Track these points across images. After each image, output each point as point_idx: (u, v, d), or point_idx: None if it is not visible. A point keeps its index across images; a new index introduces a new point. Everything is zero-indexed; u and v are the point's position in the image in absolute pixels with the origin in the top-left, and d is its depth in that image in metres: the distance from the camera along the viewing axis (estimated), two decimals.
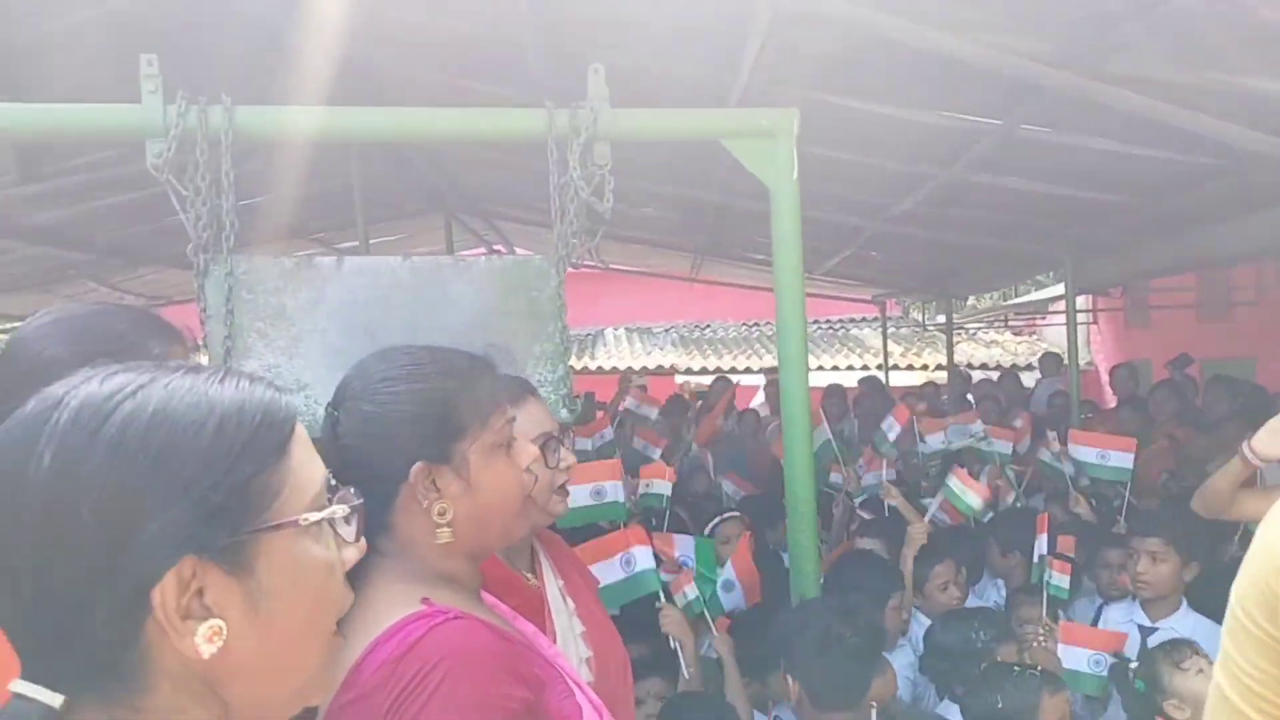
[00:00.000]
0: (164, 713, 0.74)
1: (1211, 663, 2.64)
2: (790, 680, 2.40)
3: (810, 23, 3.17)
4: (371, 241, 7.21)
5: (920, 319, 14.74)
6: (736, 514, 4.14)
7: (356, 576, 1.37)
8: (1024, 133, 4.05)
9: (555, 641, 1.97)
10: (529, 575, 2.09)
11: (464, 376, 1.43)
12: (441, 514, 1.35)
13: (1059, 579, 3.12)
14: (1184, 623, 3.06)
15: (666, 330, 16.17)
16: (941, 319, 12.37)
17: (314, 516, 0.80)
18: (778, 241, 2.61)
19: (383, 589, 1.34)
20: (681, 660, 2.77)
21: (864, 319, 15.67)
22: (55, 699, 0.71)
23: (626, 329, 16.05)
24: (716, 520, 4.03)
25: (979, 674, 2.59)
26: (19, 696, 0.71)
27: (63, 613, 0.70)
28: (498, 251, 9.38)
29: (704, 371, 13.50)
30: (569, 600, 2.10)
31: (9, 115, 2.41)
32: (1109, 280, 8.25)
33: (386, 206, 7.35)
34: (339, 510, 0.83)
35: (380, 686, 1.22)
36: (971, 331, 15.70)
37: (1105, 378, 10.58)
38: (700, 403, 9.25)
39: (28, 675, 0.72)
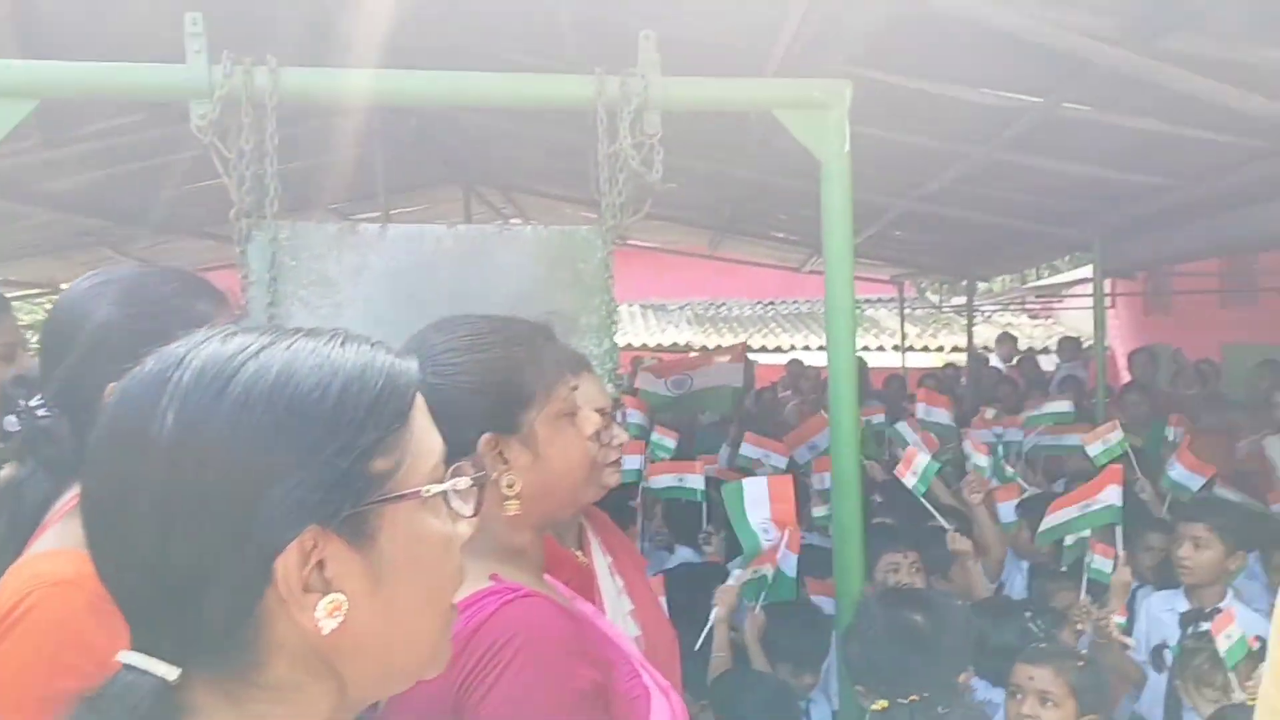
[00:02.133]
0: (280, 688, 0.71)
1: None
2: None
3: None
4: (391, 213, 7.17)
5: (936, 301, 14.68)
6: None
7: None
8: (1064, 111, 3.97)
9: (606, 616, 1.95)
10: (578, 552, 2.06)
11: (528, 344, 1.39)
12: (510, 486, 1.31)
13: (1100, 562, 3.07)
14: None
15: (681, 308, 16.10)
16: (959, 301, 12.31)
17: (436, 488, 0.76)
18: (827, 216, 2.55)
19: None
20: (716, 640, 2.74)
21: (880, 299, 15.57)
22: (171, 671, 0.67)
23: (641, 306, 15.98)
24: None
25: None
26: (129, 668, 0.68)
27: (181, 580, 0.66)
28: (518, 223, 9.32)
29: (718, 350, 13.45)
30: (617, 578, 2.07)
31: (50, 73, 2.36)
32: (1138, 264, 8.19)
33: (405, 177, 7.29)
34: (460, 483, 0.79)
35: (452, 662, 1.19)
36: (987, 314, 15.61)
37: (1122, 361, 10.49)
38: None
39: (138, 646, 0.69)
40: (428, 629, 0.78)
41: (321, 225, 2.39)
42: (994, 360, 10.77)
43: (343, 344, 0.73)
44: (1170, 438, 4.84)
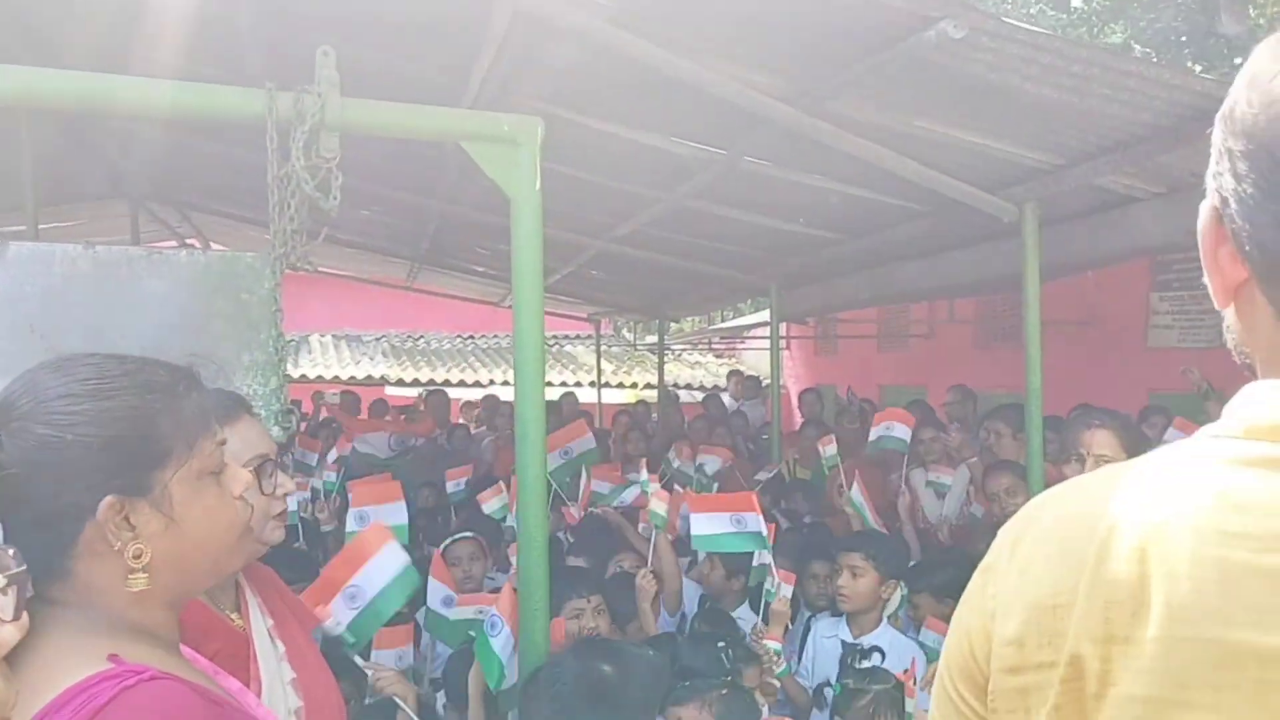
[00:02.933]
0: None
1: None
2: None
3: (548, 32, 3.11)
4: (41, 227, 6.36)
5: (631, 338, 15.17)
6: (470, 534, 4.04)
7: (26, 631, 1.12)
8: (745, 164, 4.20)
9: (261, 691, 1.75)
10: (234, 615, 1.84)
11: (164, 392, 1.20)
12: (137, 557, 1.12)
13: (783, 589, 3.20)
14: (882, 638, 3.25)
15: (377, 339, 15.56)
16: (652, 339, 12.78)
17: None
18: (518, 251, 2.48)
19: (58, 645, 1.09)
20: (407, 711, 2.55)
21: (578, 336, 15.86)
22: None
23: (334, 336, 15.29)
24: (449, 540, 3.93)
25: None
26: None
27: None
28: (192, 246, 8.57)
29: (415, 383, 13.10)
30: (278, 643, 1.87)
31: None
32: (808, 310, 8.85)
33: (61, 187, 6.52)
34: None
35: None
36: (677, 352, 16.34)
37: (795, 400, 11.31)
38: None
39: None
40: None
41: None
42: (726, 397, 11.06)
43: None
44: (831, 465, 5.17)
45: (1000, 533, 0.88)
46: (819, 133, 3.37)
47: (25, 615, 0.68)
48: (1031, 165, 3.61)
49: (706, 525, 3.33)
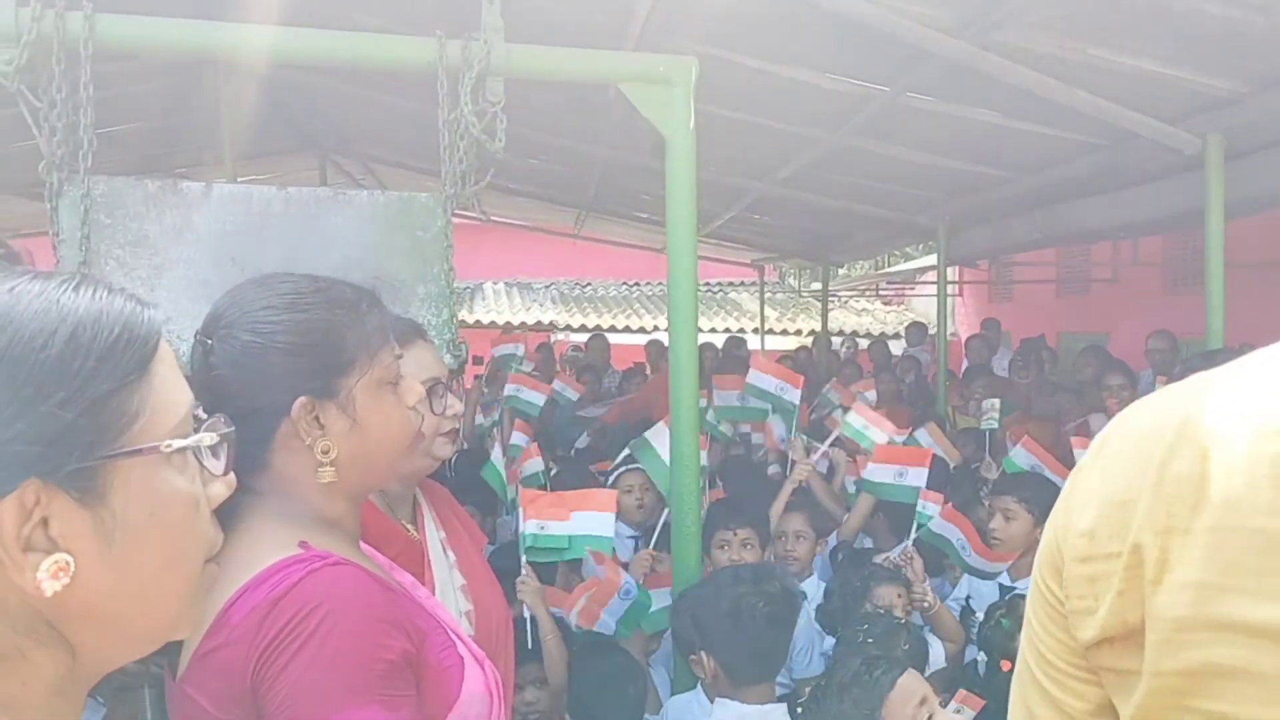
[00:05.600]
0: (0, 656, 0.66)
1: None
2: (705, 657, 2.29)
3: None
4: (240, 180, 6.87)
5: (796, 285, 15.04)
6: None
7: (229, 515, 1.28)
8: (908, 100, 4.11)
9: (435, 591, 1.91)
10: (410, 526, 2.01)
11: (351, 308, 1.34)
12: (325, 452, 1.27)
13: (928, 507, 3.22)
14: None
15: (547, 287, 16.02)
16: (817, 286, 12.63)
17: (177, 443, 0.72)
18: (672, 194, 2.56)
19: (257, 530, 1.26)
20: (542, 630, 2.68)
21: (741, 283, 15.85)
22: None
23: (506, 283, 15.83)
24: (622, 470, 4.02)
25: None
26: None
27: None
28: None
29: (583, 329, 13.44)
30: (450, 553, 2.04)
31: None
32: (978, 253, 8.54)
33: (257, 143, 7.01)
34: (206, 439, 0.75)
35: (251, 633, 1.14)
36: (844, 299, 16.09)
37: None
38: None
39: None
40: (169, 593, 0.73)
41: (140, 181, 2.25)
42: (898, 347, 10.84)
43: (76, 289, 0.68)
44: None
45: (1095, 437, 0.93)
46: (986, 65, 3.28)
47: (232, 474, 0.80)
48: (1215, 94, 3.39)
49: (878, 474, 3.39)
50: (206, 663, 1.16)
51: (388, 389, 1.34)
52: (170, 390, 0.73)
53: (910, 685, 1.79)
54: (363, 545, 1.44)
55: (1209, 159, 3.47)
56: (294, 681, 1.11)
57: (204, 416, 0.78)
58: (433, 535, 2.04)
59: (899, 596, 2.92)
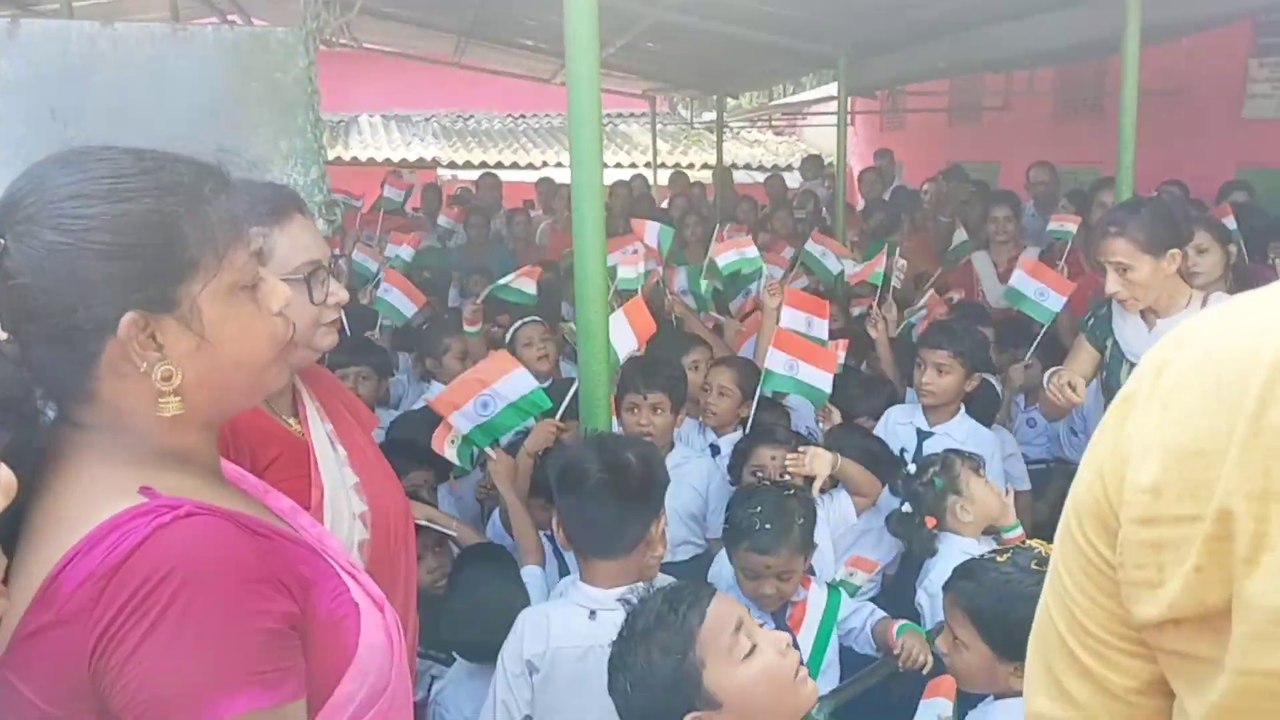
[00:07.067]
0: None
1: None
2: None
3: None
4: (77, 4, 6.08)
5: (688, 116, 14.62)
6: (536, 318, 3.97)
7: (51, 457, 1.03)
8: None
9: (324, 497, 1.70)
10: (292, 420, 1.77)
11: (189, 194, 1.03)
12: (167, 379, 1.00)
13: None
14: (960, 429, 3.16)
15: (427, 119, 15.17)
16: (709, 116, 12.25)
17: None
18: (571, 13, 2.22)
19: (87, 475, 1.01)
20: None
21: (632, 114, 15.31)
22: None
23: (383, 116, 14.93)
24: (518, 324, 3.83)
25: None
26: None
27: None
28: (232, 22, 8.16)
29: (468, 165, 12.84)
30: (339, 447, 1.81)
31: None
32: (879, 83, 8.35)
33: None
34: None
35: (86, 609, 0.91)
36: (735, 130, 15.74)
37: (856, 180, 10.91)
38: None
39: None
40: None
41: None
42: (792, 180, 10.56)
43: None
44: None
45: (1144, 358, 0.75)
46: None
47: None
48: None
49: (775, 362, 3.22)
50: (31, 645, 0.93)
51: (244, 294, 1.07)
52: None
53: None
54: (227, 468, 1.20)
55: None
56: (146, 669, 0.89)
57: None
58: (318, 430, 1.81)
59: (772, 459, 2.82)
